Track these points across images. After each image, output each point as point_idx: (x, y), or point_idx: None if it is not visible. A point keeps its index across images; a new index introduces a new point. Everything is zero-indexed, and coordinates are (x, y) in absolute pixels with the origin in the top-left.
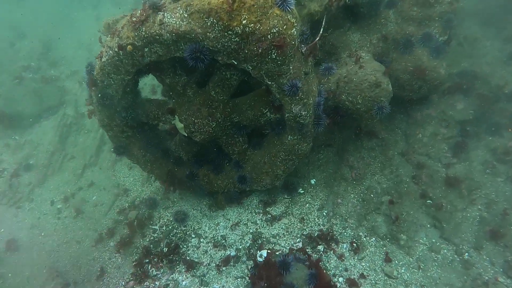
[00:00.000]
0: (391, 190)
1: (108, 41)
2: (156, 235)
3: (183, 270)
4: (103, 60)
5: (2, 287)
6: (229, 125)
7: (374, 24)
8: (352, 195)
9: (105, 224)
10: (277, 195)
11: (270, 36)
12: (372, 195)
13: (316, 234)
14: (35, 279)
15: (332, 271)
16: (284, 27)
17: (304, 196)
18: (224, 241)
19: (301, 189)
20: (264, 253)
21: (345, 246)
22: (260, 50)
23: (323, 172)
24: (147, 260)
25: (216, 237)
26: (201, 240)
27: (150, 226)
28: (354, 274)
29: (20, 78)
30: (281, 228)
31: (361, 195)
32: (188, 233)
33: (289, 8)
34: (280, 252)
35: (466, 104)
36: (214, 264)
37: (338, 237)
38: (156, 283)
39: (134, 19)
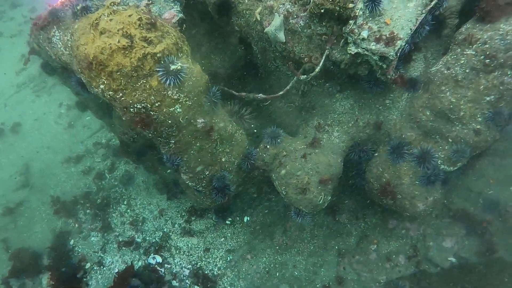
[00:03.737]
0: (296, 283)
1: None
2: (103, 183)
3: (99, 227)
4: None
5: None
6: None
7: (376, 100)
8: (264, 259)
9: (80, 149)
10: (208, 210)
11: (133, 110)
12: (278, 274)
13: (206, 272)
14: (12, 166)
15: None
16: (157, 104)
17: (227, 229)
18: (141, 224)
19: (230, 219)
20: (158, 258)
21: None
22: (124, 118)
23: (263, 216)
24: (82, 202)
25: (139, 216)
26: (128, 210)
27: (105, 173)
28: None
29: None
30: (187, 245)
31: (271, 266)
32: (123, 197)
33: (176, 82)
34: (169, 268)
35: (459, 247)
36: (119, 240)
37: (217, 286)
38: (76, 225)
39: (37, 21)
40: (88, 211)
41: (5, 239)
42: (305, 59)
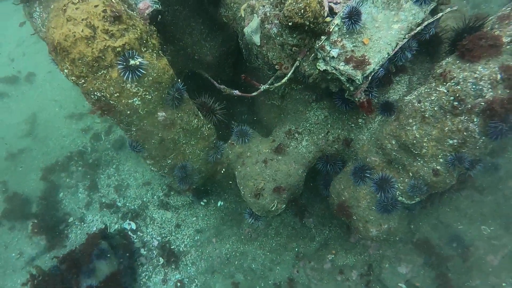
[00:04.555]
0: (250, 275)
1: None
2: (98, 143)
3: (86, 186)
4: None
5: (5, 105)
6: None
7: (350, 116)
8: (228, 245)
9: (84, 107)
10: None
11: (93, 96)
12: (236, 263)
13: (172, 247)
14: (21, 114)
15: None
16: (116, 95)
17: (200, 209)
18: (124, 190)
19: (205, 201)
20: (133, 225)
21: (177, 276)
22: (87, 102)
23: (235, 204)
24: (76, 159)
25: (124, 181)
26: (115, 174)
27: (101, 135)
28: None
29: None
30: (162, 217)
31: (232, 253)
32: (113, 161)
33: (134, 76)
34: (141, 236)
35: (413, 275)
36: (102, 201)
37: (180, 266)
38: (67, 179)
39: None
40: (80, 168)
41: (4, 182)
42: (276, 66)
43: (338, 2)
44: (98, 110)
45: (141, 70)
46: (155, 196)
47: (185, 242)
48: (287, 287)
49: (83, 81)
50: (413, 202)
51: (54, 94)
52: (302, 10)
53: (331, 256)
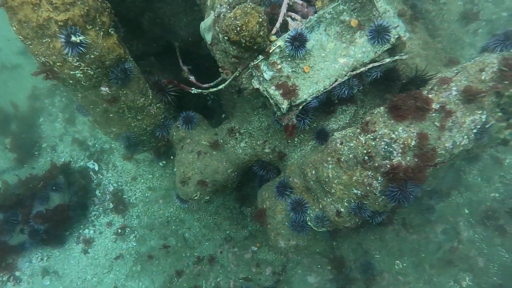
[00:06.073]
0: (180, 242)
1: None
2: None
3: (65, 118)
4: None
5: None
6: None
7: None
8: (171, 209)
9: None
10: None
11: (39, 59)
12: (173, 227)
13: (124, 196)
14: None
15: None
16: (58, 64)
17: (158, 169)
18: (97, 131)
19: (164, 162)
20: (96, 166)
21: (120, 223)
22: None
23: None
24: (61, 89)
25: None
26: None
27: None
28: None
29: None
30: (122, 166)
31: (173, 218)
32: None
33: (75, 52)
34: (100, 178)
35: (319, 286)
36: (76, 136)
37: (126, 216)
38: (50, 107)
39: None
40: (63, 99)
41: None
42: (220, 69)
43: (296, 19)
44: (43, 73)
45: (81, 48)
46: (122, 145)
47: (136, 195)
48: (207, 263)
49: (29, 42)
50: (320, 230)
51: None
52: (238, 28)
53: (255, 247)
